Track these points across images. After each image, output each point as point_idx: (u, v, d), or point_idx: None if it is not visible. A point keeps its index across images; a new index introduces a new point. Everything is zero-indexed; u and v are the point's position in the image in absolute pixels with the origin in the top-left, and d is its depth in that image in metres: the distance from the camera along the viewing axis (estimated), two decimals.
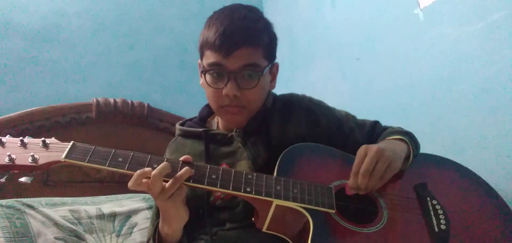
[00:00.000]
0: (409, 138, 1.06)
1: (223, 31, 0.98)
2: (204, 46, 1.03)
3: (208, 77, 1.03)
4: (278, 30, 1.11)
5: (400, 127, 1.16)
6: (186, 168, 0.88)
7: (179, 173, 0.87)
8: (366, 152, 0.92)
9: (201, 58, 1.07)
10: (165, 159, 0.90)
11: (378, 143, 1.02)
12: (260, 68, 1.02)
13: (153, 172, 0.85)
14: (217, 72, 1.01)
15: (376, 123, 1.19)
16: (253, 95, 1.03)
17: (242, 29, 0.99)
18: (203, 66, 1.04)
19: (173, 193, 0.87)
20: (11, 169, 0.86)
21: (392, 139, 1.06)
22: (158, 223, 1.01)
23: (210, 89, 1.04)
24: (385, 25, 1.60)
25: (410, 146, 1.03)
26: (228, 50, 0.98)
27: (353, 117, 1.19)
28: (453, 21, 1.34)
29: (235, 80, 1.00)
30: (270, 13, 1.11)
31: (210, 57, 1.01)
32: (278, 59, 1.15)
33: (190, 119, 1.22)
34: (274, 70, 1.13)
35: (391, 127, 1.17)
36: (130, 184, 0.85)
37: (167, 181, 0.86)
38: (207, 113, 1.20)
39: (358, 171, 0.91)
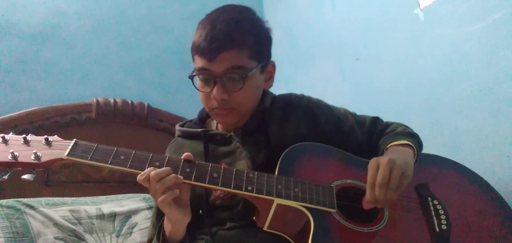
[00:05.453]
0: (415, 142, 1.04)
1: (205, 35, 0.99)
2: (192, 50, 1.06)
3: (197, 81, 1.05)
4: (278, 30, 1.10)
5: (402, 125, 1.14)
6: (173, 175, 0.87)
7: (166, 177, 0.86)
8: (378, 164, 0.90)
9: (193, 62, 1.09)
10: (167, 158, 0.90)
11: (387, 153, 1.00)
12: (245, 69, 1.00)
13: (152, 174, 0.85)
14: (204, 76, 1.03)
15: (376, 119, 1.18)
16: (241, 97, 1.02)
17: (223, 33, 0.99)
18: (194, 70, 1.06)
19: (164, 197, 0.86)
20: (14, 166, 0.86)
21: (397, 145, 1.03)
22: (163, 221, 1.01)
23: (201, 93, 1.06)
24: (385, 25, 1.61)
25: (416, 150, 1.02)
26: (211, 54, 0.99)
27: (353, 114, 1.18)
28: (453, 21, 1.34)
29: (221, 84, 1.01)
30: (270, 13, 1.12)
31: (198, 62, 1.03)
32: (278, 59, 1.14)
33: (190, 120, 1.23)
34: (269, 68, 1.11)
35: (393, 124, 1.16)
36: (139, 177, 0.87)
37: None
38: (206, 114, 1.20)
39: (374, 184, 0.88)
